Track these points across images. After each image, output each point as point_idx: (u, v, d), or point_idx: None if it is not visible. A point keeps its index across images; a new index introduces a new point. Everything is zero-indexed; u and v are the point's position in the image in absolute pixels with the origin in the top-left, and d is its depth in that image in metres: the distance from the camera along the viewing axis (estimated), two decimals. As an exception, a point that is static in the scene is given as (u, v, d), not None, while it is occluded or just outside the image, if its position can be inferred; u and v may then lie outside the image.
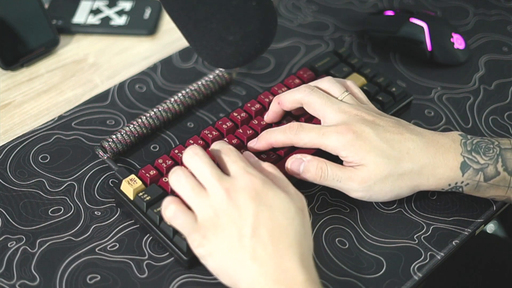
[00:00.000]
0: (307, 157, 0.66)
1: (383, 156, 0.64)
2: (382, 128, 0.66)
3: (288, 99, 0.69)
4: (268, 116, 0.71)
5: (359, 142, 0.64)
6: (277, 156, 0.69)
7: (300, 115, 0.72)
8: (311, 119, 0.71)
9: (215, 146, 0.64)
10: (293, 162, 0.66)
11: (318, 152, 0.68)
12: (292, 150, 0.70)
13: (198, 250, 0.59)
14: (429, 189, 0.67)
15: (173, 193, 0.65)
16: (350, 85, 0.71)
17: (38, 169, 0.72)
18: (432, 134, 0.67)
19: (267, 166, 0.63)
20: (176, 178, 0.61)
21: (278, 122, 0.72)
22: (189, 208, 0.60)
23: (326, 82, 0.70)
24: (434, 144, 0.66)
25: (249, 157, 0.65)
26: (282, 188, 0.61)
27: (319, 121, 0.69)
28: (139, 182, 0.66)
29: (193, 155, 0.61)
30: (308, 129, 0.66)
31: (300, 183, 0.70)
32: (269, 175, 0.62)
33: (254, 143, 0.69)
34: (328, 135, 0.65)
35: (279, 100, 0.70)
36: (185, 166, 0.63)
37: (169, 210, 0.60)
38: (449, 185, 0.66)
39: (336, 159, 0.66)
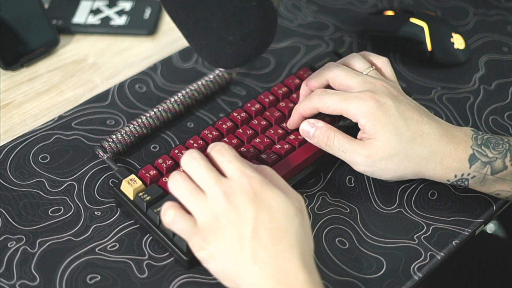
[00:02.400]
0: (319, 123, 0.68)
1: (396, 134, 0.65)
2: (404, 105, 0.66)
3: (314, 78, 0.71)
4: (300, 102, 0.72)
5: (379, 112, 0.65)
6: (277, 156, 0.69)
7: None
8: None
9: (210, 146, 0.62)
10: (306, 125, 0.68)
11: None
12: (293, 150, 0.70)
13: (200, 253, 0.59)
14: (435, 178, 0.67)
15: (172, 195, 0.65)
16: (382, 62, 0.72)
17: (38, 169, 0.72)
18: (447, 124, 0.68)
19: (264, 168, 0.62)
20: (174, 183, 0.60)
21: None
22: (188, 212, 0.60)
23: (351, 59, 0.72)
24: (447, 134, 0.66)
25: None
26: (280, 188, 0.61)
27: None
28: (139, 182, 0.66)
29: (190, 159, 0.60)
30: (331, 93, 0.68)
31: (301, 183, 0.70)
32: (267, 177, 0.61)
33: (289, 121, 0.71)
34: (350, 100, 0.66)
35: (307, 82, 0.71)
36: (184, 171, 0.63)
37: (168, 216, 0.59)
38: (455, 176, 0.66)
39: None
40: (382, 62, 0.72)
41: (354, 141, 0.66)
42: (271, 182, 0.61)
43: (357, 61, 0.71)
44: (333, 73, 0.69)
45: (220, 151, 0.61)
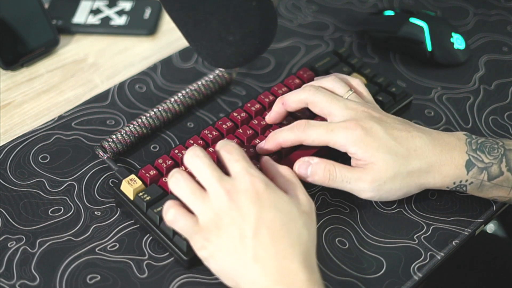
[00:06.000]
0: (314, 160, 0.66)
1: (391, 154, 0.64)
2: (390, 125, 0.66)
3: (293, 99, 0.69)
4: (270, 117, 0.71)
5: (368, 138, 0.64)
6: (277, 156, 0.69)
7: (302, 117, 0.71)
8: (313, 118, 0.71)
9: (219, 144, 0.63)
10: (300, 166, 0.66)
11: (328, 154, 0.67)
12: (294, 150, 0.70)
13: (201, 252, 0.59)
14: (435, 187, 0.66)
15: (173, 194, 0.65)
16: (356, 83, 0.71)
17: (38, 169, 0.72)
18: (437, 132, 0.67)
19: (283, 169, 0.63)
20: (174, 181, 0.60)
21: (280, 124, 0.72)
22: (190, 210, 0.60)
23: (330, 81, 0.70)
24: (440, 142, 0.66)
25: (267, 160, 0.64)
26: (289, 191, 0.61)
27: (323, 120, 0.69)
28: (139, 182, 0.66)
29: (193, 156, 0.60)
30: (316, 126, 0.66)
31: (301, 183, 0.70)
32: (281, 179, 0.62)
33: (262, 145, 0.69)
34: (336, 131, 0.65)
35: (283, 100, 0.69)
36: (185, 167, 0.63)
37: (169, 214, 0.60)
38: (454, 183, 0.66)
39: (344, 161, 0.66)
40: (357, 83, 0.71)
41: (355, 169, 0.65)
42: (287, 183, 0.61)
43: (336, 84, 0.69)
44: (314, 98, 0.67)
45: (230, 150, 0.61)
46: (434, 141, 0.66)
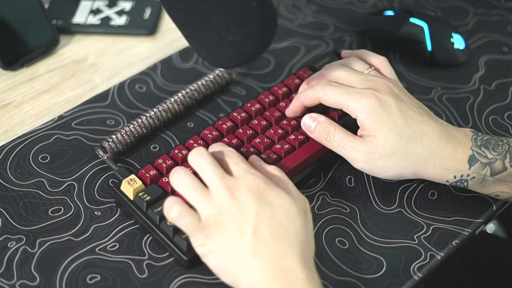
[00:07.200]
0: (320, 118, 0.68)
1: (396, 132, 0.65)
2: (405, 104, 0.67)
3: (316, 78, 0.71)
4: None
5: (379, 110, 0.65)
6: (277, 156, 0.69)
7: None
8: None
9: (216, 147, 0.64)
10: (307, 119, 0.69)
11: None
12: (293, 150, 0.70)
13: (200, 248, 0.60)
14: (434, 179, 0.67)
15: (173, 194, 0.65)
16: (379, 61, 0.72)
17: (38, 169, 0.72)
18: (447, 125, 0.68)
19: (272, 168, 0.63)
20: (177, 178, 0.61)
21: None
22: (191, 207, 0.60)
23: (349, 61, 0.72)
24: (447, 134, 0.66)
25: (255, 160, 0.65)
26: (285, 189, 0.61)
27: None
28: (139, 182, 0.66)
29: (197, 155, 0.61)
30: (335, 85, 0.68)
31: (301, 183, 0.70)
32: (273, 178, 0.62)
33: (288, 107, 0.72)
34: (352, 95, 0.66)
35: (308, 82, 0.72)
36: (188, 166, 0.63)
37: (174, 210, 0.60)
38: (455, 177, 0.66)
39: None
40: (380, 61, 0.72)
41: (354, 137, 0.66)
42: (280, 182, 0.62)
43: (355, 63, 0.72)
44: (335, 73, 0.70)
45: (228, 154, 0.62)
46: (442, 132, 0.66)
